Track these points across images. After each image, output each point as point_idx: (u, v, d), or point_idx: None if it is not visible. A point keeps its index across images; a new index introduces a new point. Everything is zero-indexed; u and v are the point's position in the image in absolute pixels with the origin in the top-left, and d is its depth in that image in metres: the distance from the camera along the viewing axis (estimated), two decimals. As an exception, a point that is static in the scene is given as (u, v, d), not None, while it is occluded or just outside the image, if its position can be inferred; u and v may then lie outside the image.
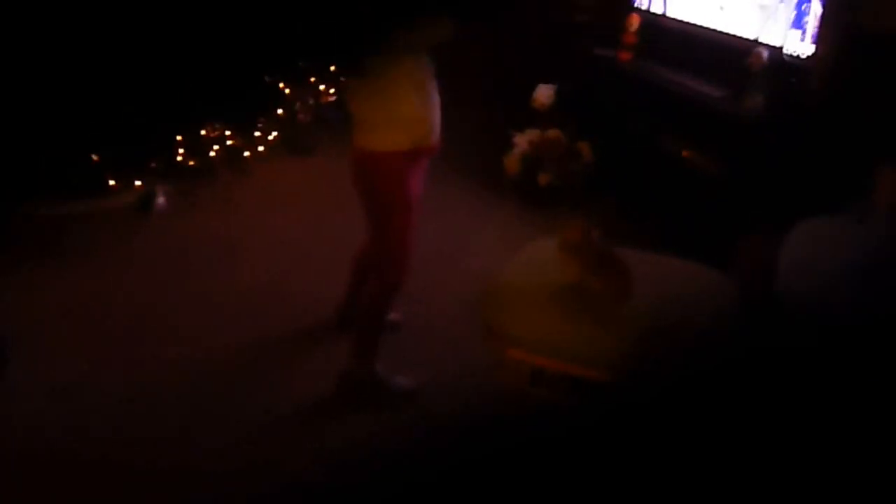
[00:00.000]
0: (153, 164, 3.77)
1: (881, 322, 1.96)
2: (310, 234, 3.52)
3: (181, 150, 3.92)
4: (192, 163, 3.95)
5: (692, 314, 2.12)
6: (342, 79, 2.22)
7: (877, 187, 2.24)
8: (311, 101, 4.53)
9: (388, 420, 2.36)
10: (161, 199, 3.69)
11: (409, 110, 2.15)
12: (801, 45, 2.84)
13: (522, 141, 3.85)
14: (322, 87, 4.60)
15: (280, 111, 4.40)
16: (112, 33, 3.41)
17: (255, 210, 3.79)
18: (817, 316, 2.16)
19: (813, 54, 2.80)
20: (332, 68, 4.64)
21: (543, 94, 3.93)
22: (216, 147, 4.07)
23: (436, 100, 2.23)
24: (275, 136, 4.38)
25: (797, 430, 2.01)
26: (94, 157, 3.58)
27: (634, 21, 3.69)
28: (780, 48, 2.92)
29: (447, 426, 2.38)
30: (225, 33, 3.70)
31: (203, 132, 4.02)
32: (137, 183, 3.70)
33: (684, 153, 3.30)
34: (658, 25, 3.68)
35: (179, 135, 3.90)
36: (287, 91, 4.44)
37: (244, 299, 2.99)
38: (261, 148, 4.28)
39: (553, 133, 3.82)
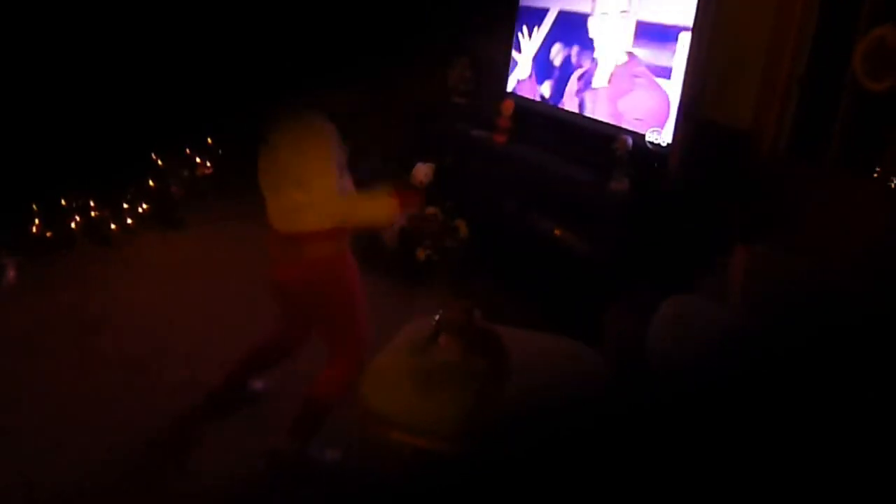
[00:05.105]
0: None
1: (737, 390, 2.08)
2: (176, 312, 3.32)
3: (36, 220, 3.64)
4: (48, 234, 3.68)
5: (567, 390, 2.16)
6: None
7: (730, 264, 2.41)
8: (186, 173, 4.39)
9: None
10: (10, 273, 3.38)
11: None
12: (661, 134, 3.07)
13: (401, 217, 3.89)
14: (198, 159, 4.47)
15: (151, 182, 4.22)
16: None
17: (118, 286, 3.55)
18: (683, 383, 2.26)
19: (670, 142, 3.03)
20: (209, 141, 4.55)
21: (422, 171, 4.01)
22: (77, 217, 3.83)
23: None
24: (145, 209, 4.18)
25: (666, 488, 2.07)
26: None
27: (509, 106, 3.86)
28: (643, 135, 3.14)
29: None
30: (100, 100, 3.53)
31: (63, 201, 3.78)
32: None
33: (556, 231, 3.44)
34: (531, 110, 3.88)
35: (34, 203, 3.63)
36: (160, 162, 4.28)
37: (103, 383, 2.75)
38: (129, 220, 4.07)
39: (430, 210, 3.89)
